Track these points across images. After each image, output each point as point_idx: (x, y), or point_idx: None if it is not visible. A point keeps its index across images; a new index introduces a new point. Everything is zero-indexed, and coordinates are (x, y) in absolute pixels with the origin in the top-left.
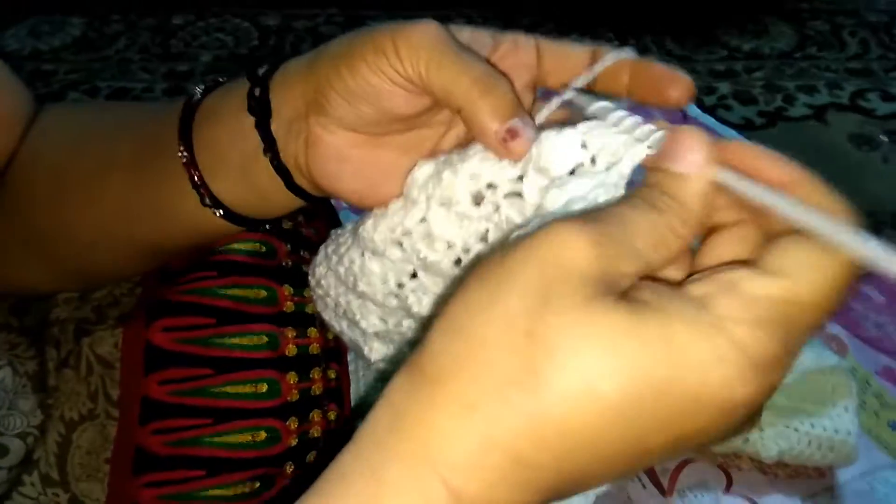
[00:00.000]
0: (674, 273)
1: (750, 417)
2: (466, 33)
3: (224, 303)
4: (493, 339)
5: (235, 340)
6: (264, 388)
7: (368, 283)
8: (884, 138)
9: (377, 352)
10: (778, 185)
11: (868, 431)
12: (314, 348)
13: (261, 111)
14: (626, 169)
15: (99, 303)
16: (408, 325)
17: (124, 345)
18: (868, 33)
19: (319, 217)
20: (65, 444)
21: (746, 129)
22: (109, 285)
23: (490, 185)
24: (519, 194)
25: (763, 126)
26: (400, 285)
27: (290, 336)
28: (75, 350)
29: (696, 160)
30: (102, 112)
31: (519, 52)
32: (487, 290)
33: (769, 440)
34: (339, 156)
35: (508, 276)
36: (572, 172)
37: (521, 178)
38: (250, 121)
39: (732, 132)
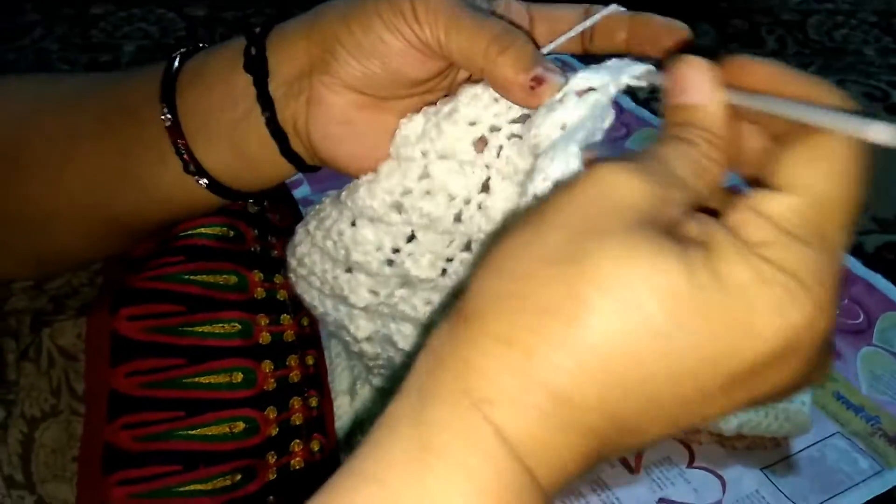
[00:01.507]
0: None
1: (820, 354)
2: None
3: (193, 289)
4: (531, 272)
5: (207, 328)
6: (239, 377)
7: (363, 252)
8: None
9: (363, 329)
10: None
11: (816, 402)
12: (289, 335)
13: (258, 69)
14: (611, 89)
15: (56, 293)
16: (400, 295)
17: (88, 335)
18: (783, 31)
19: (282, 203)
20: (27, 442)
21: None
22: (67, 274)
23: (493, 129)
24: (519, 135)
25: None
26: (396, 250)
27: (262, 323)
28: (35, 342)
29: (705, 87)
30: (56, 83)
31: (511, 15)
32: (529, 230)
33: None
34: (342, 117)
35: (551, 215)
36: (561, 101)
37: (517, 119)
38: (242, 82)
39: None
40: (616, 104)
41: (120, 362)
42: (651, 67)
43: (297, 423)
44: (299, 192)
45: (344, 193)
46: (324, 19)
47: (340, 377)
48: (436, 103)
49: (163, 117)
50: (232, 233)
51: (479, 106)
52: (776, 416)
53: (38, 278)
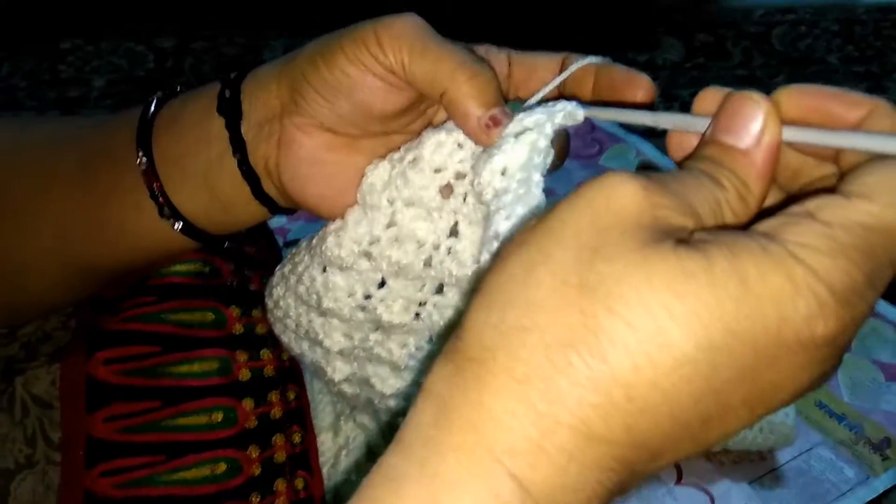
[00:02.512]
0: None
1: (833, 364)
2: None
3: (169, 329)
4: (541, 300)
5: (184, 368)
6: (219, 416)
7: (334, 299)
8: None
9: (340, 371)
10: (850, 122)
11: (799, 412)
12: (269, 370)
13: (231, 112)
14: (548, 129)
15: (28, 339)
16: (374, 339)
17: (63, 381)
18: (749, 43)
19: (259, 237)
20: (2, 496)
21: (650, 135)
22: (38, 320)
23: (459, 175)
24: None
25: (665, 132)
26: (367, 297)
27: (242, 360)
28: (7, 391)
29: (755, 132)
30: (31, 125)
31: (490, 61)
32: (529, 252)
33: None
34: (312, 158)
35: (552, 233)
36: (499, 146)
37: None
38: (217, 126)
39: (638, 138)
40: (588, 121)
41: (96, 408)
42: (577, 103)
43: (281, 460)
44: (275, 222)
45: (315, 240)
46: (294, 60)
47: (323, 413)
48: (400, 148)
49: (138, 161)
50: (207, 268)
51: (443, 153)
52: (761, 430)
53: (8, 325)
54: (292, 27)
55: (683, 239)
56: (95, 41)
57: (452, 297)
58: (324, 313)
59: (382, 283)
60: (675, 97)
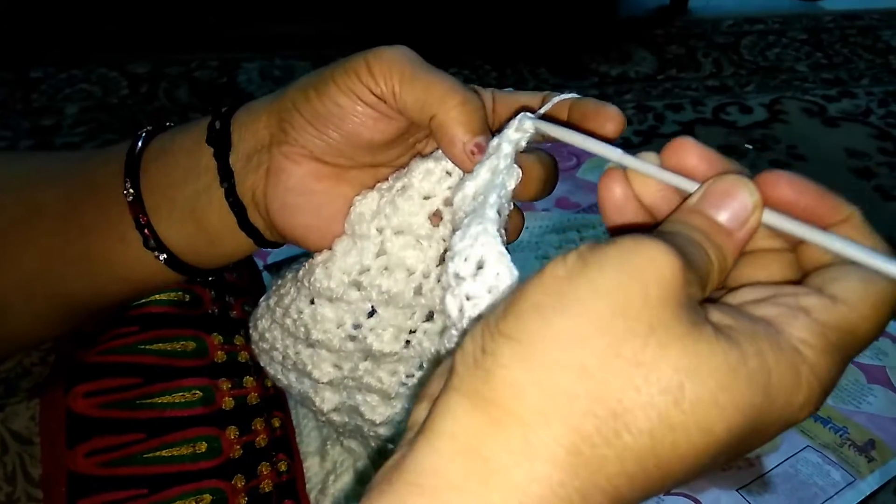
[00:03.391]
0: None
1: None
2: None
3: (149, 359)
4: (595, 369)
5: (166, 399)
6: (203, 447)
7: (323, 330)
8: (749, 147)
9: (329, 402)
10: (825, 221)
11: None
12: (253, 398)
13: (220, 142)
14: (505, 148)
15: (7, 374)
16: (364, 368)
17: (42, 417)
18: (719, 53)
19: (241, 263)
20: None
21: (625, 147)
22: (18, 355)
23: (447, 203)
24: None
25: (640, 144)
26: (357, 326)
27: (225, 388)
28: None
29: (744, 219)
30: (15, 160)
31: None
32: (575, 310)
33: None
34: (300, 187)
35: (600, 295)
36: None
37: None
38: (206, 157)
39: (610, 147)
40: None
41: (77, 442)
42: (526, 114)
43: (267, 490)
44: None
45: (301, 272)
46: (285, 92)
47: (309, 437)
48: (389, 178)
49: (125, 192)
50: (187, 297)
51: (432, 180)
52: None
53: None
54: (265, 49)
55: (713, 323)
56: (67, 68)
57: (442, 324)
58: (312, 345)
59: (372, 312)
60: (648, 109)
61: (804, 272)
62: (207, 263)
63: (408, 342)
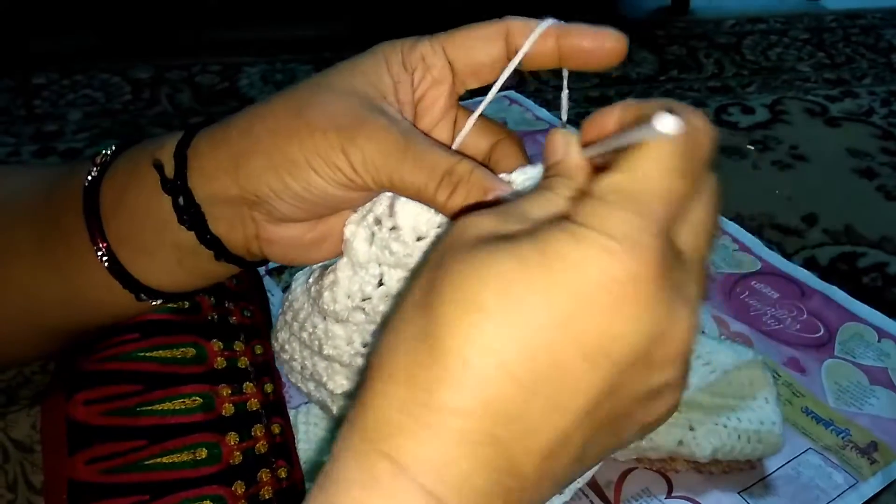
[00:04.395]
0: None
1: (666, 310)
2: (385, 77)
3: (149, 366)
4: (404, 315)
5: (167, 406)
6: (204, 453)
7: (334, 346)
8: (751, 148)
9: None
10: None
11: (786, 419)
12: (253, 404)
13: (194, 220)
14: None
15: (8, 384)
16: None
17: (43, 424)
18: (720, 54)
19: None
20: None
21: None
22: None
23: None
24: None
25: None
26: (365, 345)
27: (225, 394)
28: None
29: (562, 148)
30: None
31: (430, 70)
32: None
33: (702, 439)
34: (296, 244)
35: (421, 263)
36: None
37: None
38: (166, 206)
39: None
40: (532, 113)
41: (78, 450)
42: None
43: (267, 496)
44: None
45: (312, 288)
46: (250, 167)
47: (319, 448)
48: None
49: (100, 258)
50: (187, 304)
51: (421, 221)
52: (748, 440)
53: None
54: (266, 53)
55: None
56: (69, 74)
57: None
58: (326, 358)
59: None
60: None
61: None
62: (198, 287)
63: None
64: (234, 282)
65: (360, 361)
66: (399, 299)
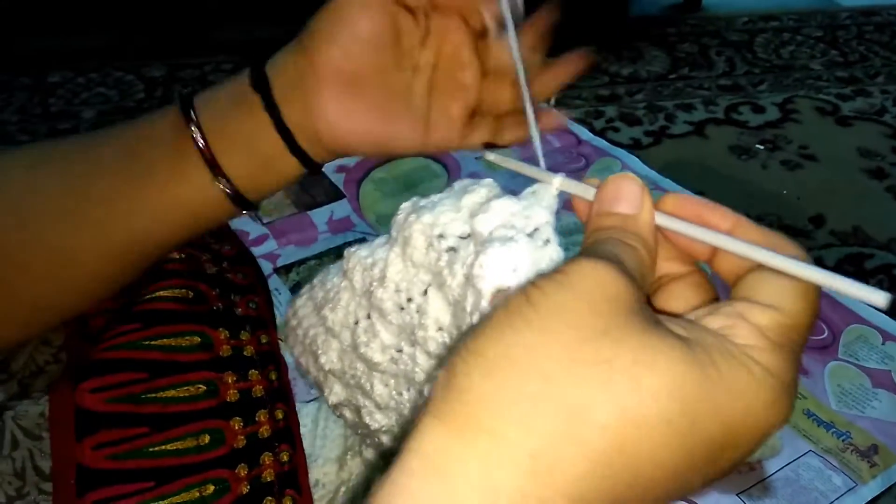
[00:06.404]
0: None
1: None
2: None
3: (155, 355)
4: (555, 374)
5: (171, 393)
6: (207, 439)
7: (333, 308)
8: (760, 147)
9: (336, 395)
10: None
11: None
12: (257, 391)
13: (263, 85)
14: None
15: (22, 374)
16: (360, 370)
17: (52, 412)
18: (732, 52)
19: (245, 264)
20: None
21: (635, 148)
22: (28, 349)
23: (440, 236)
24: (455, 249)
25: (650, 144)
26: (356, 322)
27: (230, 381)
28: None
29: (637, 198)
30: (63, 141)
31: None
32: (528, 325)
33: None
34: (350, 80)
35: (552, 310)
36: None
37: (462, 236)
38: (250, 98)
39: (623, 151)
40: (573, 135)
41: (85, 436)
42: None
43: (269, 479)
44: (266, 247)
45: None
46: (311, 26)
47: (332, 444)
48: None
49: (192, 134)
50: (192, 294)
51: (441, 211)
52: None
53: (16, 341)
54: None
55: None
56: (84, 72)
57: (420, 356)
58: (326, 329)
59: (368, 316)
60: (659, 109)
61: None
62: (262, 190)
63: (394, 359)
64: (239, 276)
65: (347, 339)
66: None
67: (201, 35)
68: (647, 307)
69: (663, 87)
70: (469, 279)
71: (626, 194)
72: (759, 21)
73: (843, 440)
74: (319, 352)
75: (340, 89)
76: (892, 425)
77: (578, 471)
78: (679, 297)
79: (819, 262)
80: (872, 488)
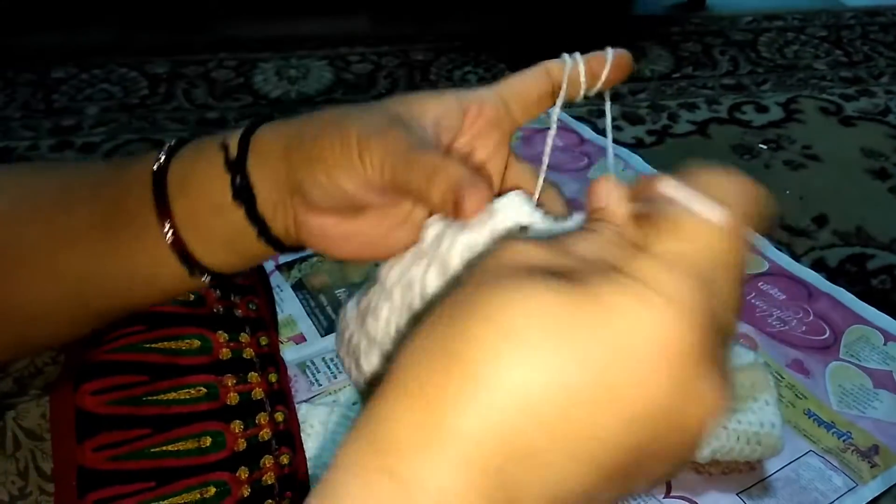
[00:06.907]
0: None
1: (710, 382)
2: (432, 109)
3: (155, 357)
4: (433, 328)
5: (172, 395)
6: (208, 441)
7: (375, 319)
8: (763, 147)
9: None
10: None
11: (787, 421)
12: (257, 393)
13: (246, 198)
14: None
15: (20, 374)
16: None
17: (53, 413)
18: (736, 51)
19: None
20: None
21: (638, 147)
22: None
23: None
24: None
25: (653, 144)
26: (398, 332)
27: (230, 384)
28: None
29: (612, 195)
30: (39, 174)
31: (484, 110)
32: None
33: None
34: (324, 234)
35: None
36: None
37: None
38: (228, 197)
39: (625, 150)
40: (576, 134)
41: (86, 438)
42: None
43: (270, 482)
44: None
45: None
46: (294, 158)
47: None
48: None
49: (165, 234)
50: (192, 296)
51: (480, 231)
52: (748, 441)
53: (6, 361)
54: (282, 49)
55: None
56: (87, 68)
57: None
58: (367, 335)
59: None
60: (662, 108)
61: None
62: (236, 270)
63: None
64: (240, 276)
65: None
66: (426, 312)
67: (205, 32)
68: (558, 261)
69: (666, 87)
70: None
71: (601, 192)
72: (764, 20)
73: (843, 440)
74: (362, 358)
75: (335, 222)
76: (893, 426)
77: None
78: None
79: (822, 263)
80: (873, 489)
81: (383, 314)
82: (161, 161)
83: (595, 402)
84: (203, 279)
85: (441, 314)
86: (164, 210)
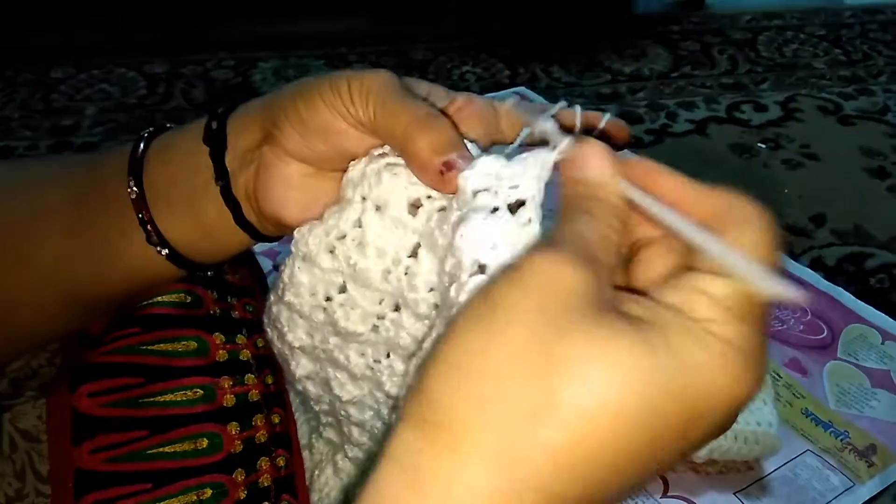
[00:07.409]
0: (618, 279)
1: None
2: (424, 87)
3: (151, 359)
4: (506, 374)
5: (168, 397)
6: (204, 443)
7: (296, 293)
8: (762, 146)
9: (303, 368)
10: (673, 199)
11: (785, 421)
12: (254, 395)
13: (216, 142)
14: (538, 199)
15: (16, 375)
16: (333, 343)
17: (49, 415)
18: (735, 50)
19: (243, 264)
20: None
21: (636, 146)
22: (26, 356)
23: (430, 196)
24: (445, 208)
25: (651, 143)
26: (328, 298)
27: (226, 386)
28: None
29: (606, 166)
30: (20, 165)
31: (473, 101)
32: (483, 327)
33: None
34: (287, 183)
35: (504, 311)
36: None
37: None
38: (204, 154)
39: (625, 151)
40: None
41: (82, 440)
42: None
43: (266, 484)
44: (265, 244)
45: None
46: (276, 98)
47: (301, 431)
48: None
49: (129, 189)
50: (189, 298)
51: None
52: (745, 440)
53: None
54: (280, 48)
55: (623, 312)
56: (86, 68)
57: (407, 320)
58: (289, 307)
59: (343, 289)
60: (660, 107)
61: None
62: (206, 258)
63: (376, 327)
64: (237, 277)
65: (320, 317)
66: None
67: (204, 31)
68: (606, 290)
69: (665, 86)
70: (450, 245)
71: (594, 161)
72: (763, 19)
73: (841, 440)
74: (285, 329)
75: (300, 171)
76: (890, 425)
77: (541, 465)
78: (652, 265)
79: (820, 262)
80: (870, 488)
81: (305, 285)
82: (142, 146)
83: (663, 454)
84: (160, 251)
85: (506, 363)
86: (135, 169)
